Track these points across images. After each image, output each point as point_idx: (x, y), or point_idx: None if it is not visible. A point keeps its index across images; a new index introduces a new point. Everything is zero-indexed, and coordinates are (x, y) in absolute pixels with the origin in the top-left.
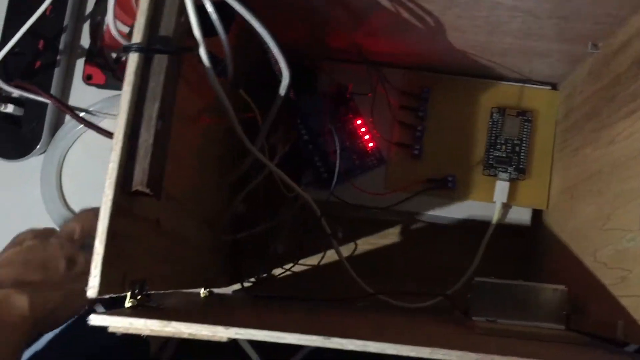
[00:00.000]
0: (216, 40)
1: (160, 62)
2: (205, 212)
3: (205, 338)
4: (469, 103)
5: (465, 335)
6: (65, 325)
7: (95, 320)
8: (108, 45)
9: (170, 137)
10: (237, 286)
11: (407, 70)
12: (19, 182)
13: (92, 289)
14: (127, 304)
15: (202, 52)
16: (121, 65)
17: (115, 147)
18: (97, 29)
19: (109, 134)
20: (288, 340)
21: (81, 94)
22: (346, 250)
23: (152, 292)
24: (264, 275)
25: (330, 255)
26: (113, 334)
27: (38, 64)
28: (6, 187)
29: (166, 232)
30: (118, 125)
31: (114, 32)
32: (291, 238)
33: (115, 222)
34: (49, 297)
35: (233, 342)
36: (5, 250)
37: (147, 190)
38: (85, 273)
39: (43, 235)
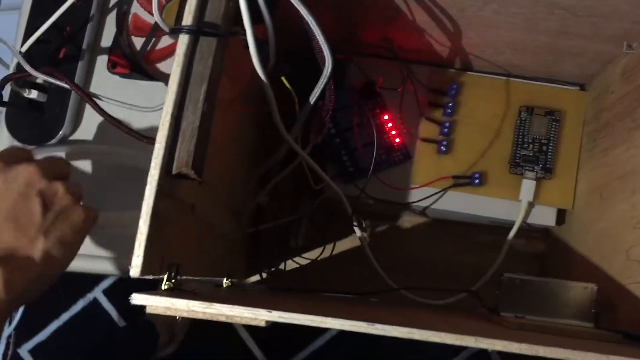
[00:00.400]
0: (258, 27)
1: (208, 45)
2: (233, 201)
3: (244, 322)
4: (496, 101)
5: (499, 329)
6: (69, 316)
7: (137, 299)
8: (133, 34)
9: (212, 122)
10: (254, 278)
11: (435, 68)
12: None
13: (135, 268)
14: (164, 286)
15: (250, 37)
16: (145, 55)
17: (162, 128)
18: (123, 19)
19: (121, 124)
20: (331, 325)
21: (105, 83)
22: (369, 244)
23: (184, 277)
24: (283, 267)
25: (352, 249)
26: (116, 326)
27: (63, 52)
28: None
29: (199, 218)
30: (165, 106)
31: (157, 18)
32: (312, 231)
33: (158, 204)
34: (26, 267)
35: (238, 339)
36: None
37: (192, 173)
38: (70, 206)
39: (2, 166)
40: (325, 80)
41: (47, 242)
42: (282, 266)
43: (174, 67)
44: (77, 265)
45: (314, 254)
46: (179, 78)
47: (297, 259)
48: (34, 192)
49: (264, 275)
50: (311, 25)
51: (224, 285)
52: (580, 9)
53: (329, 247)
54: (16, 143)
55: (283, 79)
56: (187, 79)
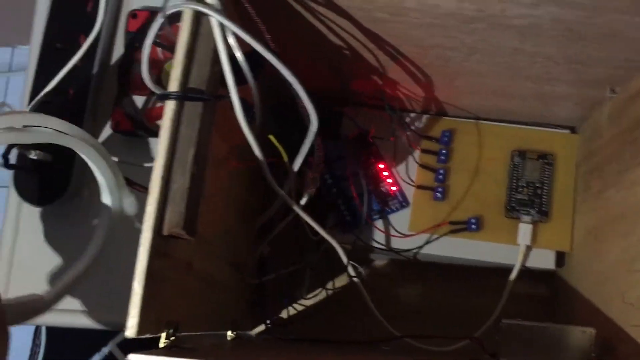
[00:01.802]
0: (245, 88)
1: (195, 109)
2: (233, 254)
3: None
4: (489, 146)
5: None
6: None
7: (134, 359)
8: (135, 93)
9: (204, 181)
10: (259, 328)
11: (427, 116)
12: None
13: (131, 329)
14: (161, 344)
15: (235, 99)
16: (147, 112)
17: (152, 191)
18: (124, 78)
19: (134, 184)
20: None
21: (109, 141)
22: (369, 292)
23: (184, 333)
24: (287, 317)
25: (354, 298)
26: None
27: (67, 113)
28: (42, 233)
29: (197, 274)
30: (155, 169)
31: (147, 83)
32: (315, 281)
33: (152, 264)
34: None
35: None
36: None
37: (184, 233)
38: None
39: None
40: (311, 138)
41: None
42: (286, 316)
43: (161, 132)
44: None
45: (317, 302)
46: (168, 142)
47: (301, 308)
48: None
49: (269, 325)
50: (294, 86)
51: (229, 338)
52: (561, 57)
53: (331, 296)
54: (25, 204)
55: (271, 137)
56: (176, 143)
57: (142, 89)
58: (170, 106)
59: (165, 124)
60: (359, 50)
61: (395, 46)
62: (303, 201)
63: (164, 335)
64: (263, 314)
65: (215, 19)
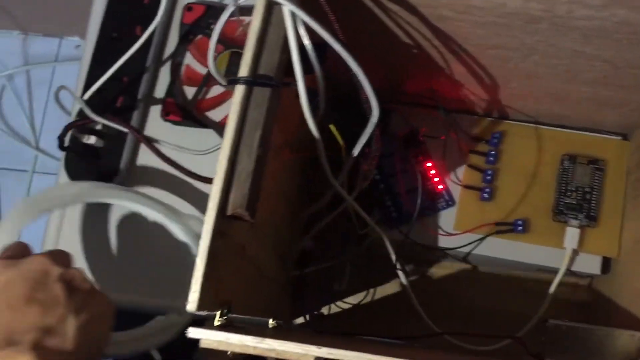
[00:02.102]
0: (308, 78)
1: (263, 94)
2: (279, 244)
3: (292, 358)
4: (538, 150)
5: None
6: None
7: (193, 333)
8: (186, 84)
9: (265, 166)
10: (298, 320)
11: (477, 117)
12: None
13: (192, 303)
14: (216, 322)
15: (301, 87)
16: (197, 103)
17: (219, 171)
18: (176, 69)
19: (177, 165)
20: None
21: (158, 130)
22: (412, 288)
23: (234, 315)
24: (327, 310)
25: (395, 294)
26: None
27: (120, 100)
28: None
29: (248, 259)
30: (222, 150)
31: (213, 72)
32: (355, 275)
33: (214, 242)
34: (61, 341)
35: None
36: None
37: (246, 214)
38: (91, 291)
39: (12, 262)
40: (371, 129)
41: (79, 319)
42: (325, 309)
43: (230, 114)
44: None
45: (356, 297)
46: (236, 124)
47: (340, 302)
48: (52, 278)
49: (308, 317)
50: (359, 77)
51: (270, 326)
52: (621, 61)
53: (371, 291)
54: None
55: (332, 127)
56: (243, 126)
57: (193, 80)
58: (239, 90)
59: (234, 107)
60: (418, 49)
61: (455, 45)
62: (354, 194)
63: (218, 313)
64: (302, 306)
65: (287, 8)
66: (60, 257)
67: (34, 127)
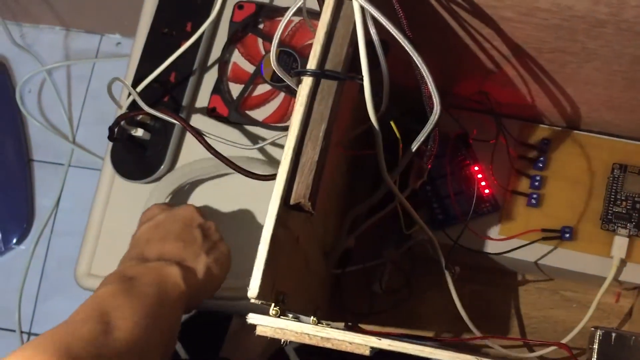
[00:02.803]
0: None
1: (329, 87)
2: (325, 240)
3: (349, 349)
4: (588, 158)
5: None
6: None
7: (253, 319)
8: (232, 82)
9: (326, 159)
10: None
11: (526, 123)
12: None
13: (253, 290)
14: (271, 311)
15: (367, 82)
16: (243, 101)
17: (284, 162)
18: (224, 67)
19: (225, 158)
20: (440, 357)
21: (203, 125)
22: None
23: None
24: (366, 310)
25: (437, 296)
26: None
27: (168, 96)
28: (130, 207)
29: (301, 251)
30: (288, 140)
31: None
32: (395, 276)
33: (276, 231)
34: (194, 270)
35: None
36: (138, 228)
37: (308, 204)
38: (219, 241)
39: (168, 208)
40: (431, 126)
41: (208, 259)
42: (364, 309)
43: (296, 106)
44: None
45: (397, 298)
46: (302, 116)
47: (379, 303)
48: (195, 224)
49: (349, 322)
50: (423, 72)
51: (312, 323)
52: None
53: (411, 293)
54: (117, 179)
55: (392, 123)
56: (308, 118)
57: (239, 78)
58: (307, 83)
59: (301, 99)
60: (474, 49)
61: (512, 48)
62: (407, 191)
63: (273, 302)
64: (341, 305)
65: (357, 3)
66: (201, 211)
67: (72, 122)
